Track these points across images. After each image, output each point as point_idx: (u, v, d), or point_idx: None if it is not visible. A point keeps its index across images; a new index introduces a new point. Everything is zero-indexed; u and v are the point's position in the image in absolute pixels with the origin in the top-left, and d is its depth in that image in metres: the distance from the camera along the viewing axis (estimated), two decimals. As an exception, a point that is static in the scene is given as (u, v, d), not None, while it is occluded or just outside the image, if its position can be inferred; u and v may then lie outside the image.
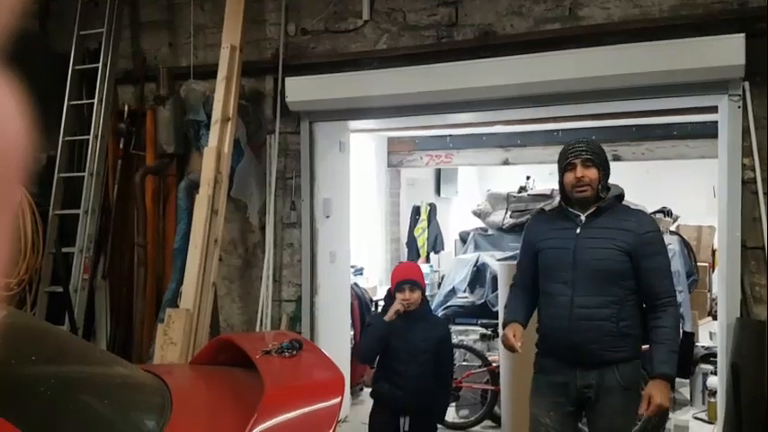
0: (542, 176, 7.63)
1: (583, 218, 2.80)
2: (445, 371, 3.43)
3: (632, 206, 3.24)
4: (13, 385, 1.91)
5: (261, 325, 4.92)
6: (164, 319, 4.24)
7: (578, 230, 2.78)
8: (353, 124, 5.56)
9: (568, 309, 2.73)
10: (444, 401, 3.47)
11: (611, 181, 2.91)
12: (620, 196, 2.90)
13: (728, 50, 3.75)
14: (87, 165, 5.01)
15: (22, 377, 1.99)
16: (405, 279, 3.34)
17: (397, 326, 3.28)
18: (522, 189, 7.53)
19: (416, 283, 3.34)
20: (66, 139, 5.15)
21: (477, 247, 6.64)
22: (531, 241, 2.98)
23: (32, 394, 1.91)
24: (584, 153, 2.76)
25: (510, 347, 2.82)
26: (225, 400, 2.41)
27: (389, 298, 3.43)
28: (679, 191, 9.50)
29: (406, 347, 3.26)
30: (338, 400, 2.13)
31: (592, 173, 2.75)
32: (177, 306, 4.33)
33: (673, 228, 6.81)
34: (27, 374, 2.04)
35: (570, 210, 2.84)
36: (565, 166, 2.81)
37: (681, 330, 5.50)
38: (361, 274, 7.36)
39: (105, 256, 5.38)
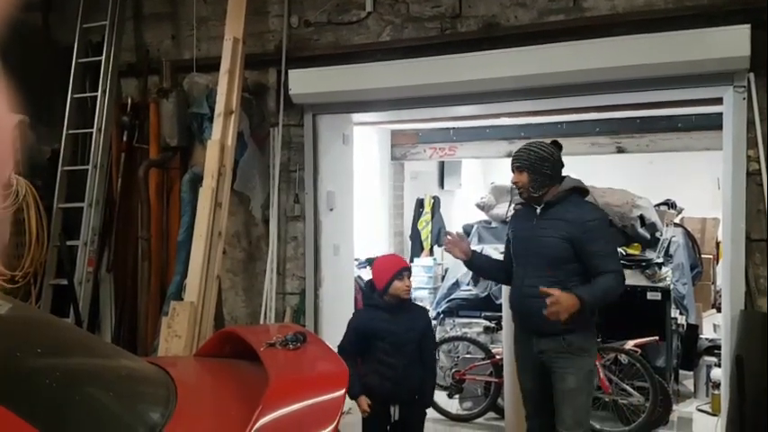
0: (546, 169, 7.60)
1: (538, 211, 3.29)
2: (430, 357, 3.56)
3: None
4: (18, 378, 1.92)
5: (265, 318, 4.93)
6: (168, 312, 4.25)
7: (534, 221, 3.28)
8: (357, 117, 5.55)
9: (519, 287, 3.31)
10: (431, 386, 3.56)
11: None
12: (576, 189, 3.31)
13: (733, 41, 3.73)
14: (91, 158, 5.02)
15: (27, 369, 2.00)
16: (404, 267, 3.42)
17: (383, 318, 3.34)
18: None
19: (410, 270, 3.48)
20: (70, 132, 5.15)
21: (480, 240, 6.63)
22: (509, 232, 3.55)
23: (38, 387, 1.92)
24: (516, 161, 3.30)
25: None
26: (229, 393, 2.42)
27: (371, 289, 3.46)
28: (683, 183, 9.47)
29: (393, 339, 3.31)
30: (342, 392, 2.13)
31: (523, 177, 3.26)
32: (181, 299, 4.34)
33: (677, 220, 6.79)
34: (32, 367, 2.05)
35: (531, 204, 3.34)
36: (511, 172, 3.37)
37: (685, 324, 5.52)
38: (365, 267, 7.36)
39: (109, 249, 5.40)
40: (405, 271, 3.39)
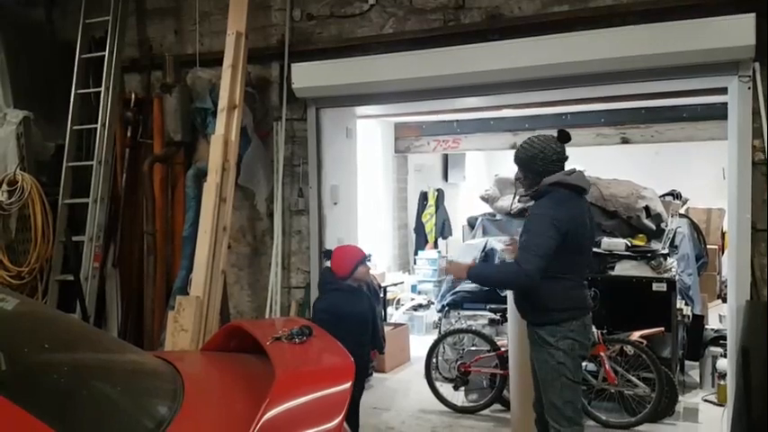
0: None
1: (533, 203, 3.45)
2: (377, 333, 4.00)
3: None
4: (26, 373, 1.93)
5: (270, 312, 4.95)
6: (174, 307, 4.26)
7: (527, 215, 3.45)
8: (360, 110, 5.54)
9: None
10: (368, 358, 4.05)
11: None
12: (559, 183, 3.28)
13: (738, 31, 3.70)
14: (95, 154, 5.03)
15: (35, 365, 2.01)
16: (366, 255, 3.84)
17: (346, 300, 3.72)
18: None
19: (369, 257, 3.91)
20: (74, 128, 5.16)
21: (485, 233, 6.62)
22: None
23: (46, 382, 1.93)
24: (514, 156, 3.42)
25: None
26: (236, 386, 2.43)
27: (331, 275, 3.80)
28: (688, 173, 9.45)
29: (357, 317, 3.68)
30: (348, 385, 2.14)
31: (519, 172, 3.42)
32: (187, 293, 4.35)
33: (682, 211, 6.77)
34: (40, 362, 2.06)
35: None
36: None
37: (691, 314, 5.52)
38: (369, 260, 7.36)
39: (115, 245, 5.41)
40: (366, 258, 3.87)
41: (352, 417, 3.85)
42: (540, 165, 3.29)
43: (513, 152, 3.48)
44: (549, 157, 3.28)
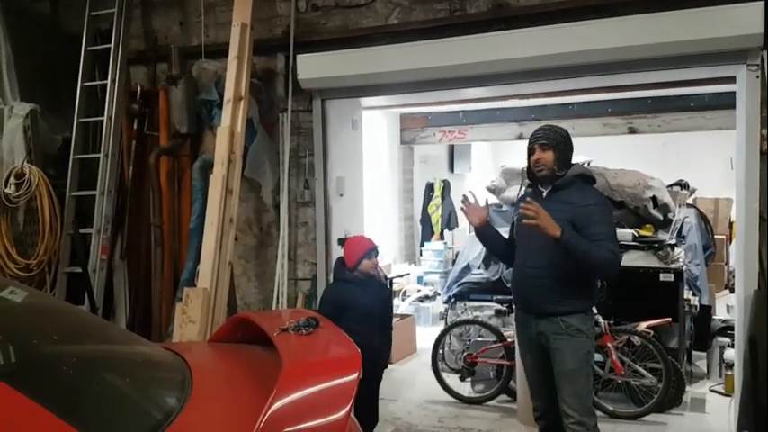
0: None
1: (545, 193, 3.29)
2: (389, 325, 3.94)
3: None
4: (36, 364, 1.94)
5: (277, 303, 4.96)
6: (182, 298, 4.28)
7: (540, 204, 3.20)
8: (366, 101, 5.53)
9: (520, 268, 3.34)
10: (388, 349, 3.97)
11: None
12: (582, 175, 3.30)
13: (746, 19, 3.67)
14: (102, 146, 5.03)
15: (44, 356, 2.02)
16: (373, 247, 3.79)
17: (354, 291, 3.71)
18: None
19: (378, 250, 3.85)
20: (81, 120, 5.17)
21: (491, 223, 6.62)
22: (514, 215, 3.53)
23: (55, 373, 1.95)
24: (541, 139, 3.25)
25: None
26: (244, 377, 2.44)
27: (342, 265, 3.82)
28: (696, 163, 9.41)
29: (362, 309, 3.65)
30: (355, 375, 2.15)
31: (548, 155, 3.22)
32: (194, 285, 4.37)
33: (690, 201, 6.74)
34: (49, 354, 2.07)
35: (538, 187, 3.34)
36: (528, 150, 3.31)
37: (698, 305, 5.50)
38: (376, 254, 7.36)
39: (122, 237, 5.43)
40: (373, 251, 3.79)
41: (371, 407, 3.86)
42: (570, 151, 3.27)
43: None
44: (573, 148, 3.30)
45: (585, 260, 3.08)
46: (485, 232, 3.58)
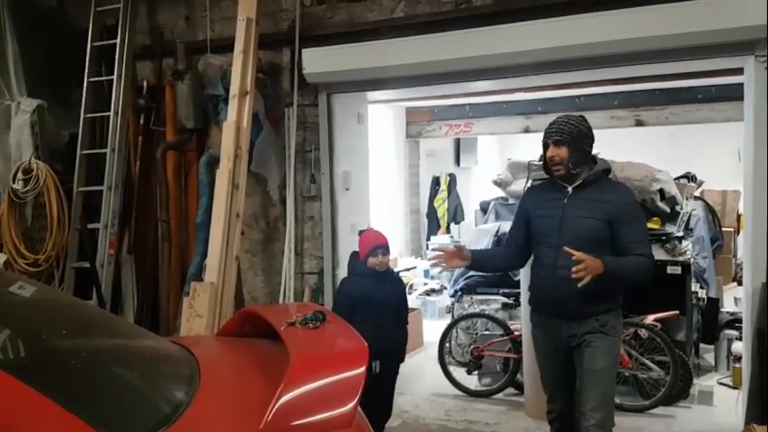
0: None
1: (570, 189, 3.12)
2: (404, 318, 3.91)
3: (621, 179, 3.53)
4: (45, 359, 1.96)
5: (284, 297, 4.98)
6: (189, 293, 4.30)
7: (565, 201, 3.11)
8: (371, 95, 5.52)
9: (551, 269, 3.09)
10: (404, 344, 3.94)
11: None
12: (607, 170, 3.20)
13: (754, 9, 3.63)
14: (109, 141, 5.05)
15: (53, 351, 2.04)
16: (379, 245, 3.73)
17: (368, 284, 3.71)
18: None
19: (388, 248, 3.79)
20: (88, 116, 5.19)
21: (497, 217, 6.61)
22: (525, 209, 3.33)
23: (64, 367, 1.96)
24: (555, 134, 3.07)
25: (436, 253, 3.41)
26: (252, 371, 2.45)
27: (357, 259, 3.81)
28: (704, 155, 9.35)
29: (377, 302, 3.65)
30: (362, 369, 2.15)
31: (562, 151, 3.06)
32: (202, 279, 4.38)
33: (697, 193, 6.71)
34: (58, 348, 2.09)
35: (560, 182, 3.15)
36: (543, 146, 3.16)
37: (706, 297, 5.48)
38: (384, 252, 7.37)
39: (130, 232, 5.45)
40: (379, 249, 3.72)
41: (386, 402, 3.86)
42: (589, 145, 3.10)
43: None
44: (594, 138, 3.13)
45: (629, 279, 3.07)
46: (477, 264, 3.49)
